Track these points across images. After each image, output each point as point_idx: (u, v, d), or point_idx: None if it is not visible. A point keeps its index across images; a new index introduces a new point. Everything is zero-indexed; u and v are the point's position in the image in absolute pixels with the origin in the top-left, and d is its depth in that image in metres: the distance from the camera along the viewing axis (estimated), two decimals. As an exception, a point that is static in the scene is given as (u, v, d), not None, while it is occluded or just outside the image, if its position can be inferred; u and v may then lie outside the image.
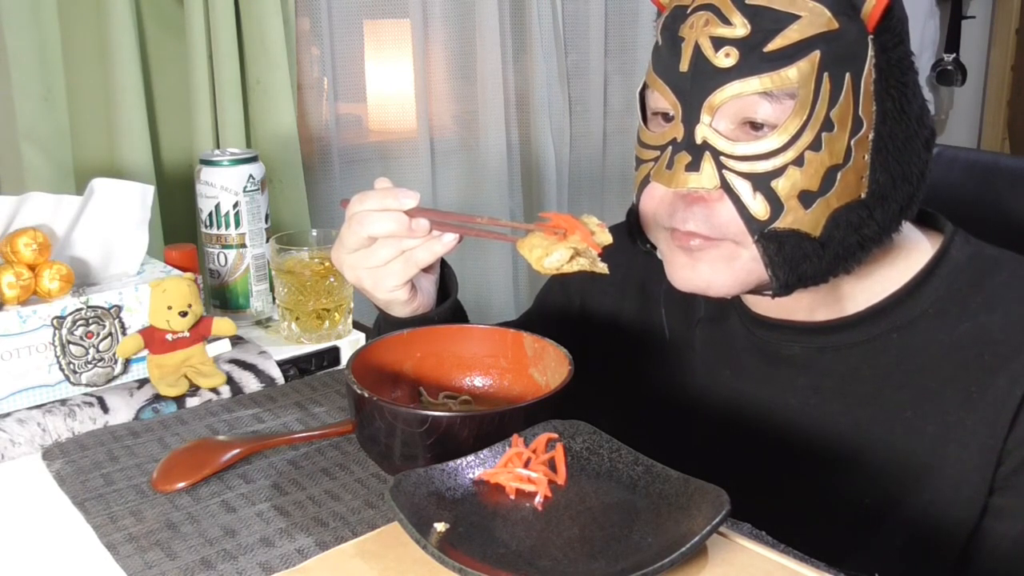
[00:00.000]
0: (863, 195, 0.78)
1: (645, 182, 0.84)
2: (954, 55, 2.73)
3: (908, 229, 0.86)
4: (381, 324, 0.98)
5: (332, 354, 1.12)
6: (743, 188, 0.77)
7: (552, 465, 0.70)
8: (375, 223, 0.84)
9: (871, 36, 0.77)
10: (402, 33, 1.84)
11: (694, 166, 0.78)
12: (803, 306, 0.86)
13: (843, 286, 0.85)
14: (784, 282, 0.79)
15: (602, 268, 0.79)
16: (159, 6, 1.51)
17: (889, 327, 0.84)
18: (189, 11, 1.48)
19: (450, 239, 0.85)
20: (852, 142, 0.77)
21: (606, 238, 0.80)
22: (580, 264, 0.79)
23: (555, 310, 1.09)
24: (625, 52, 2.13)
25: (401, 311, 0.92)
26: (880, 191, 0.79)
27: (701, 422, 0.93)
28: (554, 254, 0.78)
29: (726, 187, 0.77)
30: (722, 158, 0.77)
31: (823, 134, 0.76)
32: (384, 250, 0.85)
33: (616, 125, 2.17)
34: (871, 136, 0.77)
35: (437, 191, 1.95)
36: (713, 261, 0.81)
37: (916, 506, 0.81)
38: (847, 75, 0.76)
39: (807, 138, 0.76)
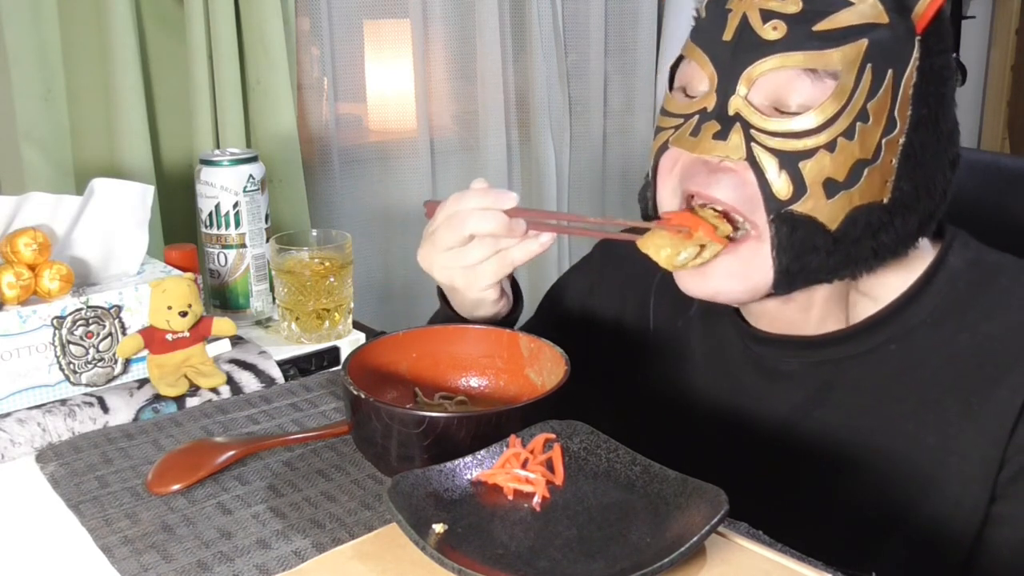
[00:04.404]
0: (885, 200, 0.77)
1: (663, 149, 0.82)
2: (954, 55, 2.72)
3: None
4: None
5: (332, 354, 1.12)
6: (769, 164, 0.76)
7: (550, 465, 0.70)
8: (477, 222, 0.84)
9: (918, 38, 0.76)
10: (402, 33, 1.84)
11: (722, 135, 0.77)
12: (811, 319, 0.85)
13: (850, 296, 0.84)
14: (786, 267, 0.78)
15: (715, 246, 0.79)
16: (159, 6, 1.51)
17: (887, 338, 0.83)
18: (189, 11, 1.48)
19: (546, 239, 0.85)
20: (883, 141, 0.76)
21: (727, 228, 0.79)
22: (704, 257, 0.79)
23: (555, 322, 1.08)
24: (625, 52, 2.13)
25: (488, 311, 0.92)
26: (903, 199, 0.78)
27: (699, 430, 0.93)
28: (683, 253, 0.78)
29: (751, 160, 0.76)
30: (752, 131, 0.76)
31: (858, 124, 0.75)
32: (479, 249, 0.85)
33: (616, 125, 2.17)
34: (902, 140, 0.77)
35: (437, 191, 1.95)
36: (728, 272, 0.80)
37: (918, 518, 0.80)
38: (889, 71, 0.76)
39: (842, 124, 0.75)
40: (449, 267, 0.87)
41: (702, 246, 0.78)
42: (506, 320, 0.95)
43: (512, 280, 0.97)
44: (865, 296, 0.84)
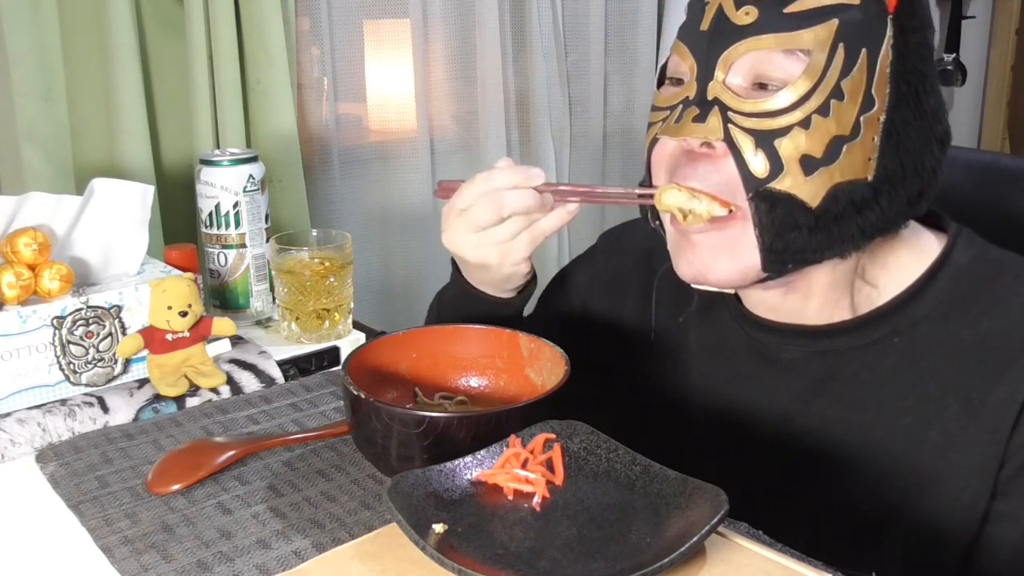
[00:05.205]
0: (870, 177, 0.77)
1: (654, 143, 0.85)
2: (954, 55, 2.72)
3: (918, 229, 0.85)
4: (451, 302, 0.99)
5: (332, 354, 1.12)
6: (746, 144, 0.77)
7: (550, 465, 0.70)
8: (512, 200, 0.86)
9: (890, 16, 0.77)
10: (402, 33, 1.85)
11: (701, 118, 0.78)
12: (813, 308, 0.85)
13: (855, 285, 0.84)
14: (769, 246, 0.78)
15: (721, 211, 0.80)
16: (159, 6, 1.51)
17: (890, 331, 0.83)
18: (189, 11, 1.48)
19: (573, 207, 0.88)
20: (862, 118, 0.77)
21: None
22: (692, 219, 0.80)
23: (556, 314, 1.08)
24: (625, 52, 2.13)
25: (518, 283, 0.95)
26: (888, 177, 0.78)
27: (698, 426, 0.93)
28: (675, 193, 0.80)
29: (729, 141, 0.78)
30: (729, 113, 0.78)
31: (832, 101, 0.76)
32: (514, 225, 0.87)
33: (616, 125, 2.17)
34: (882, 118, 0.77)
35: (437, 191, 1.95)
36: (715, 248, 0.80)
37: (917, 514, 0.80)
38: (863, 50, 0.77)
39: (816, 101, 0.76)
40: (482, 245, 0.89)
41: (685, 213, 0.80)
42: (521, 294, 0.97)
43: None
44: (872, 287, 0.84)
